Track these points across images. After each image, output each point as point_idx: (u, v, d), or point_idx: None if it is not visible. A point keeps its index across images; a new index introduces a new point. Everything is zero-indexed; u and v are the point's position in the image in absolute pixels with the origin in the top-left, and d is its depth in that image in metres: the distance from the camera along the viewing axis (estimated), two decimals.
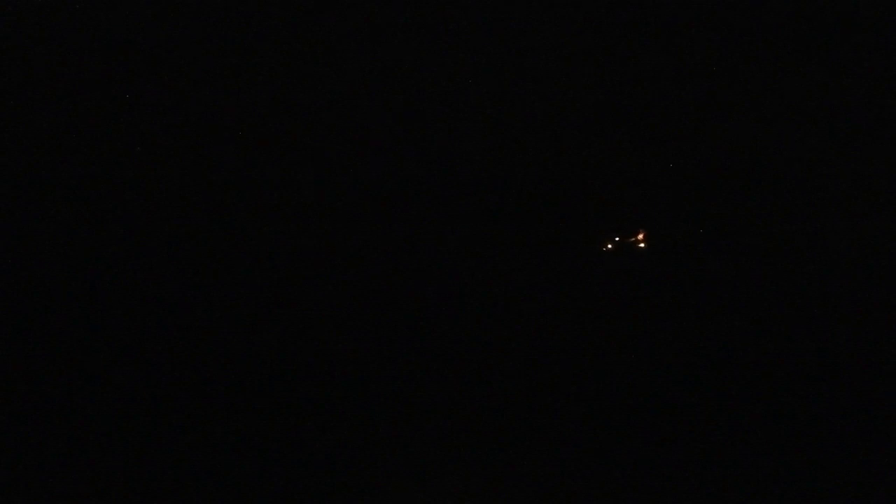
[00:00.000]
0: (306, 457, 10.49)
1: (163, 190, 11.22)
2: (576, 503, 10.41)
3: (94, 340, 10.77)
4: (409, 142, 11.33)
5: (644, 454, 10.56)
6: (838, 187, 11.10)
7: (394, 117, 11.34)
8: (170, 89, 11.38)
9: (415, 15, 11.44)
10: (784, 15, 11.32)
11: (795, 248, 11.04)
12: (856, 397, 10.65)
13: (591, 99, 11.34)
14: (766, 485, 10.44)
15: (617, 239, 11.13)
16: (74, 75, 11.37)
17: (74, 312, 10.85)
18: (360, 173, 11.24)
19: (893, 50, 11.19)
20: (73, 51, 11.39)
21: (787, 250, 11.04)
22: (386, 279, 11.06)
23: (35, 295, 10.89)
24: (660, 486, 10.46)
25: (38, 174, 11.19)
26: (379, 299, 11.00)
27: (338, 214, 11.21)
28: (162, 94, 11.37)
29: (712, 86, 11.31)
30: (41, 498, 10.17)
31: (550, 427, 10.67)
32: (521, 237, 11.17)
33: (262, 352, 10.83)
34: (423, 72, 11.37)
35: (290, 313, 10.97)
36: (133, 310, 10.89)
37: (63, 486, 10.26)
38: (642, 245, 11.12)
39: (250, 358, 10.81)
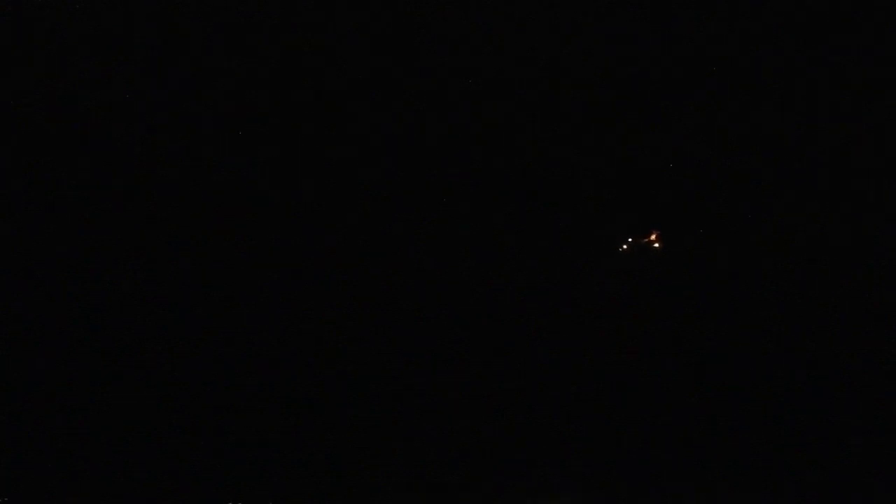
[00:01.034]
0: (306, 457, 10.38)
1: (162, 190, 11.13)
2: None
3: (94, 340, 10.66)
4: (437, 141, 11.29)
5: (661, 455, 10.43)
6: (859, 188, 11.03)
7: (418, 116, 11.32)
8: (169, 89, 11.33)
9: (419, 14, 11.42)
10: (797, 14, 11.33)
11: (811, 248, 10.94)
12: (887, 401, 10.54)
13: (605, 99, 11.31)
14: (791, 485, 10.29)
15: (631, 239, 11.05)
16: (74, 75, 11.32)
17: (74, 312, 10.73)
18: (382, 173, 11.21)
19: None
20: (72, 50, 11.35)
21: (802, 250, 10.94)
22: (399, 279, 11.02)
23: (35, 295, 10.77)
24: (674, 486, 10.31)
25: (37, 174, 11.11)
26: (398, 299, 10.97)
27: (338, 214, 11.13)
28: (162, 93, 11.31)
29: (729, 87, 11.27)
30: (41, 498, 10.00)
31: (561, 428, 10.55)
32: (535, 238, 11.09)
33: (263, 352, 10.72)
34: (444, 70, 11.37)
35: (290, 313, 10.86)
36: (133, 309, 10.78)
37: (63, 485, 10.12)
38: (656, 245, 11.04)
39: (251, 358, 10.70)
